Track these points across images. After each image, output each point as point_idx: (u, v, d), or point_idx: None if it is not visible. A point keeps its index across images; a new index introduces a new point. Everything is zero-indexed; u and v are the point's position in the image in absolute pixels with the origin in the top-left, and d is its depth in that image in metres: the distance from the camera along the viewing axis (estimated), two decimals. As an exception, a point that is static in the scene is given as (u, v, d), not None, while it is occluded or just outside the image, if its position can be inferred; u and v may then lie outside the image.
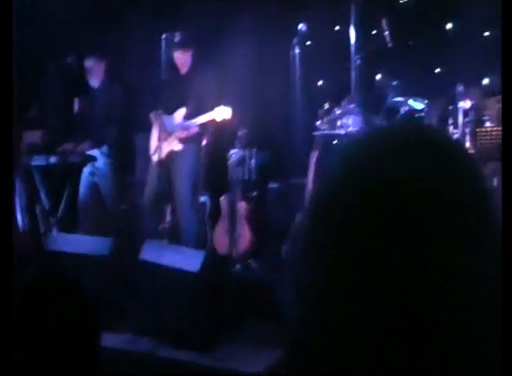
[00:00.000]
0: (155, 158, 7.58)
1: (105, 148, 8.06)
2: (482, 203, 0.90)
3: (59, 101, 8.84)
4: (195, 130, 7.53)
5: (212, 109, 7.30)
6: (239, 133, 7.95)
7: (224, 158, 8.04)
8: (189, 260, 6.01)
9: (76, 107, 8.39)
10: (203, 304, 5.80)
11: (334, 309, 0.87)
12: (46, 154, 7.80)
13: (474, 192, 0.90)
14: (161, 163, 7.46)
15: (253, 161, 8.20)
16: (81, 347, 2.25)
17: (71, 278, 2.38)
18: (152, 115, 7.76)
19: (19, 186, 7.75)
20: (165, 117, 7.51)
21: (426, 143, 0.90)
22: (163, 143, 7.42)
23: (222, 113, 7.27)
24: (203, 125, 7.50)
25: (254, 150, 8.22)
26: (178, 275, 5.86)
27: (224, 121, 7.36)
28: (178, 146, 7.50)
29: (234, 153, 7.94)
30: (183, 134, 7.48)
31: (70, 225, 7.89)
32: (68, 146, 8.11)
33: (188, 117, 7.48)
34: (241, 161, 8.04)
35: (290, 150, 7.96)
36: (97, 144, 8.04)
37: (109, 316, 5.52)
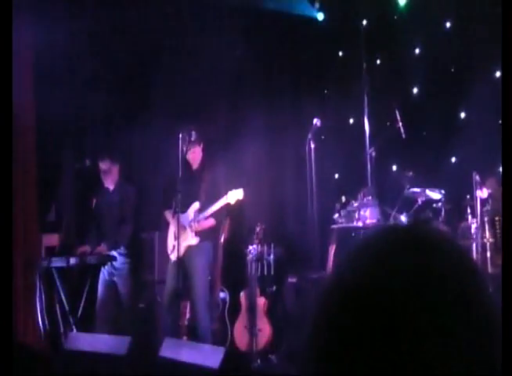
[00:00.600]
0: (172, 257, 7.58)
1: (122, 248, 8.11)
2: (480, 302, 0.91)
3: (76, 203, 8.96)
4: (210, 223, 7.54)
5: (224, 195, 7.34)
6: (257, 229, 7.96)
7: (242, 254, 8.04)
8: (208, 357, 5.94)
9: (92, 208, 8.50)
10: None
11: None
12: (65, 256, 7.86)
13: (473, 290, 0.91)
14: (178, 261, 7.45)
15: (271, 256, 8.19)
16: None
17: None
18: (167, 213, 7.82)
19: (39, 287, 7.79)
20: (180, 215, 7.54)
21: (427, 244, 0.93)
22: (179, 240, 7.43)
23: (235, 195, 7.28)
24: (217, 213, 7.49)
25: (272, 244, 8.22)
26: (198, 372, 5.78)
27: (238, 202, 7.35)
28: (193, 240, 7.49)
29: (252, 249, 7.93)
30: (198, 227, 7.49)
31: (89, 324, 7.88)
32: (86, 248, 8.18)
33: (201, 209, 7.51)
34: (259, 257, 8.02)
35: (308, 244, 7.94)
36: (114, 245, 8.09)
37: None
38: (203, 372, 5.76)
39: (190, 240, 7.48)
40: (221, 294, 8.21)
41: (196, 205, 7.54)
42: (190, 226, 7.48)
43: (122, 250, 8.11)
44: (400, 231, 0.99)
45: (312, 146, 7.95)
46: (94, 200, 8.50)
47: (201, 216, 7.46)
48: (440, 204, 7.63)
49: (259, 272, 8.07)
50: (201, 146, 7.69)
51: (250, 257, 7.90)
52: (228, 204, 7.34)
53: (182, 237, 7.45)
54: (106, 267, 8.05)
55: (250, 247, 7.93)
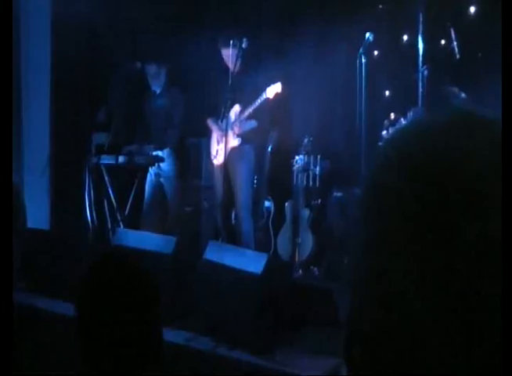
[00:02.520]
0: (215, 162, 7.65)
1: (169, 150, 8.18)
2: None
3: (125, 104, 9.01)
4: (252, 125, 7.54)
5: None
6: (305, 140, 7.95)
7: (288, 164, 8.05)
8: (251, 262, 6.02)
9: (140, 110, 8.57)
10: (263, 306, 5.79)
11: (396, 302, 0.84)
12: (114, 154, 7.97)
13: None
14: (222, 167, 7.51)
15: (317, 169, 8.18)
16: (144, 320, 2.32)
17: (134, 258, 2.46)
18: (209, 121, 7.85)
19: (88, 183, 7.93)
20: (224, 120, 7.56)
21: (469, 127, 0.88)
22: (221, 144, 7.48)
23: (273, 89, 7.25)
24: (258, 114, 7.47)
25: (319, 157, 8.20)
26: (240, 276, 5.87)
27: (277, 97, 7.29)
28: (235, 141, 7.52)
29: (298, 159, 7.94)
30: (240, 129, 7.50)
31: (136, 222, 8.02)
32: (133, 146, 8.26)
33: (242, 111, 7.52)
34: (305, 167, 8.03)
35: (355, 160, 7.93)
36: (161, 146, 8.17)
37: (172, 313, 5.58)
38: (246, 276, 5.85)
39: (232, 141, 7.51)
40: (266, 203, 8.27)
41: (236, 108, 7.55)
42: (232, 128, 7.50)
43: (169, 152, 8.19)
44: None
45: (364, 60, 7.86)
46: (142, 102, 8.57)
47: (242, 117, 7.47)
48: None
49: (305, 184, 8.09)
50: (251, 53, 7.64)
51: (296, 167, 7.93)
52: (268, 100, 7.30)
53: (223, 141, 7.46)
54: (153, 168, 8.15)
55: (297, 158, 7.94)
